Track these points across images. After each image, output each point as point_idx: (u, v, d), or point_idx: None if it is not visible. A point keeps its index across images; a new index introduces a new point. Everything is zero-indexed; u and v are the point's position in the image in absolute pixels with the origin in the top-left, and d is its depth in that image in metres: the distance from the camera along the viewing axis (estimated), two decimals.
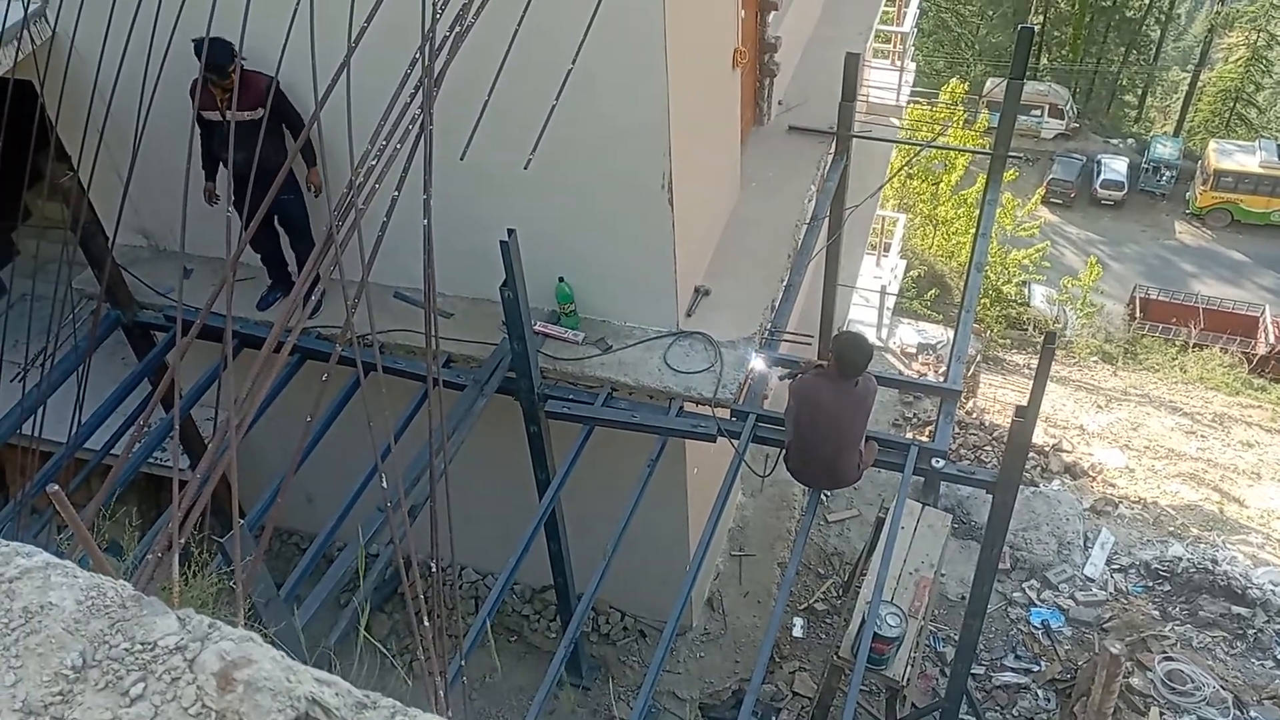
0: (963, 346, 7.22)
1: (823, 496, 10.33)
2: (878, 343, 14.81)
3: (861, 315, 15.04)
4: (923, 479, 7.38)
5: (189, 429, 7.84)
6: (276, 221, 6.78)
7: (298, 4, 4.20)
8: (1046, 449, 14.59)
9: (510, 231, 5.84)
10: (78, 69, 6.21)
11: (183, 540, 2.19)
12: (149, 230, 7.62)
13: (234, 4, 4.44)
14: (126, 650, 1.18)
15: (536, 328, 6.82)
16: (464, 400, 6.55)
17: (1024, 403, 5.90)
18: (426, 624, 2.54)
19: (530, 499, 7.09)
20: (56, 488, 1.56)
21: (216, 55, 5.57)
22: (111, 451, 6.82)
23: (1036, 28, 36.07)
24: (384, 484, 3.09)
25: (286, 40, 4.38)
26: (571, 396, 6.87)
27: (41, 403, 5.71)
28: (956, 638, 8.29)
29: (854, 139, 8.75)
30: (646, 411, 6.76)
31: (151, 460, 7.06)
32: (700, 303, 7.25)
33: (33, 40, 6.12)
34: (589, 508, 7.46)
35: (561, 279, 6.87)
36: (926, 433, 12.71)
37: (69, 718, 1.15)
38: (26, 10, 5.96)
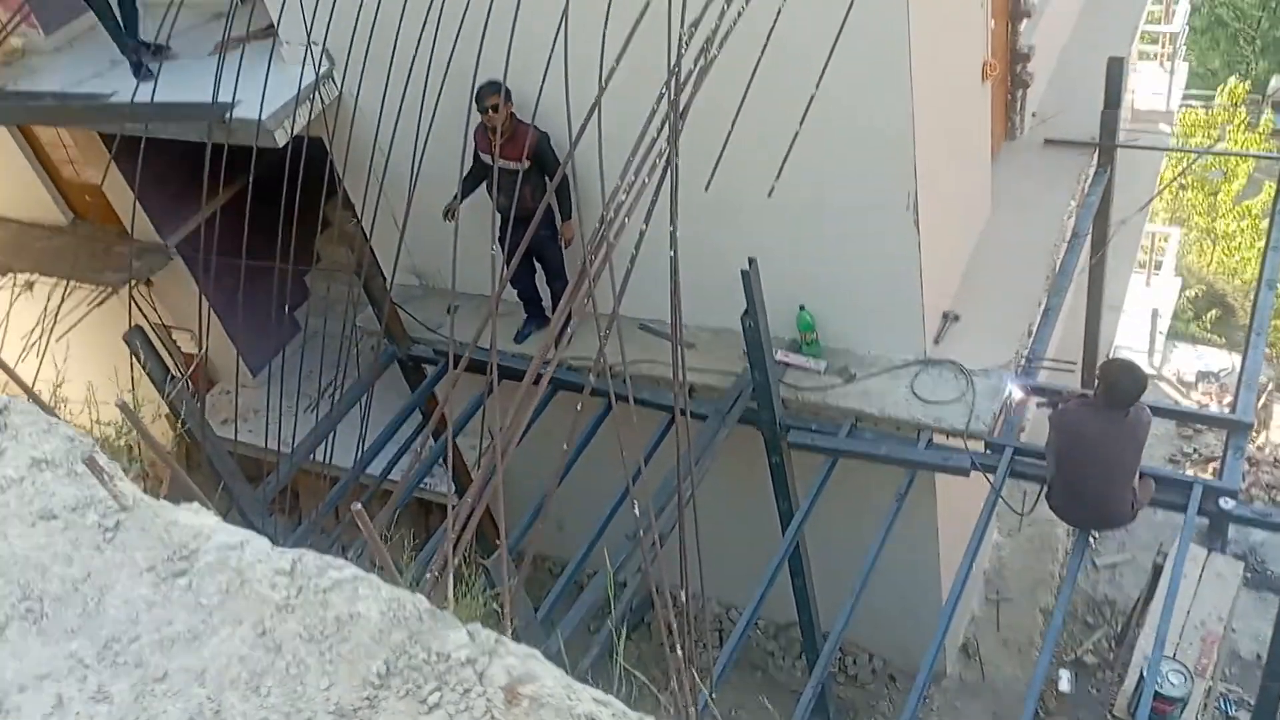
0: (1253, 373, 6.52)
1: (1091, 538, 9.58)
2: (1150, 370, 13.64)
3: (1130, 340, 13.91)
4: (1208, 521, 6.70)
5: (455, 456, 8.37)
6: (534, 259, 7.15)
7: (551, 52, 4.42)
8: None
9: (751, 260, 5.86)
10: (361, 125, 6.84)
11: (455, 561, 2.34)
12: (420, 270, 8.23)
13: (496, 58, 4.75)
14: (424, 660, 1.26)
15: (778, 357, 6.78)
16: (706, 431, 6.61)
17: None
18: (677, 652, 2.56)
19: (773, 532, 7.03)
20: (359, 506, 1.70)
21: (484, 89, 6.05)
22: (389, 477, 7.38)
23: None
24: (636, 510, 3.16)
25: (542, 86, 4.64)
26: (814, 427, 6.76)
27: (330, 431, 6.28)
28: (1252, 702, 7.44)
29: (1119, 149, 8.15)
30: (893, 443, 6.55)
31: (421, 486, 7.59)
32: (949, 329, 6.96)
33: (322, 100, 6.80)
34: (834, 542, 7.30)
35: (803, 307, 6.80)
36: (1210, 470, 11.55)
37: None
38: (318, 74, 6.63)
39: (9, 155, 9.67)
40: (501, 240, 6.58)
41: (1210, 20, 34.76)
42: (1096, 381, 5.46)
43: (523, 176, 6.29)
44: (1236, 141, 19.02)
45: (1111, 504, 5.61)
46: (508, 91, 6.02)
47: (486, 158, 6.68)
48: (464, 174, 6.70)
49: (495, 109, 6.23)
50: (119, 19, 7.13)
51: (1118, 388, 5.25)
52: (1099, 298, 8.89)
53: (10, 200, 10.02)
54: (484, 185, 6.68)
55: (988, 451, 6.32)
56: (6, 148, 9.60)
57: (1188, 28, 13.75)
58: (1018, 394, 6.46)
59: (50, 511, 1.41)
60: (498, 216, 6.24)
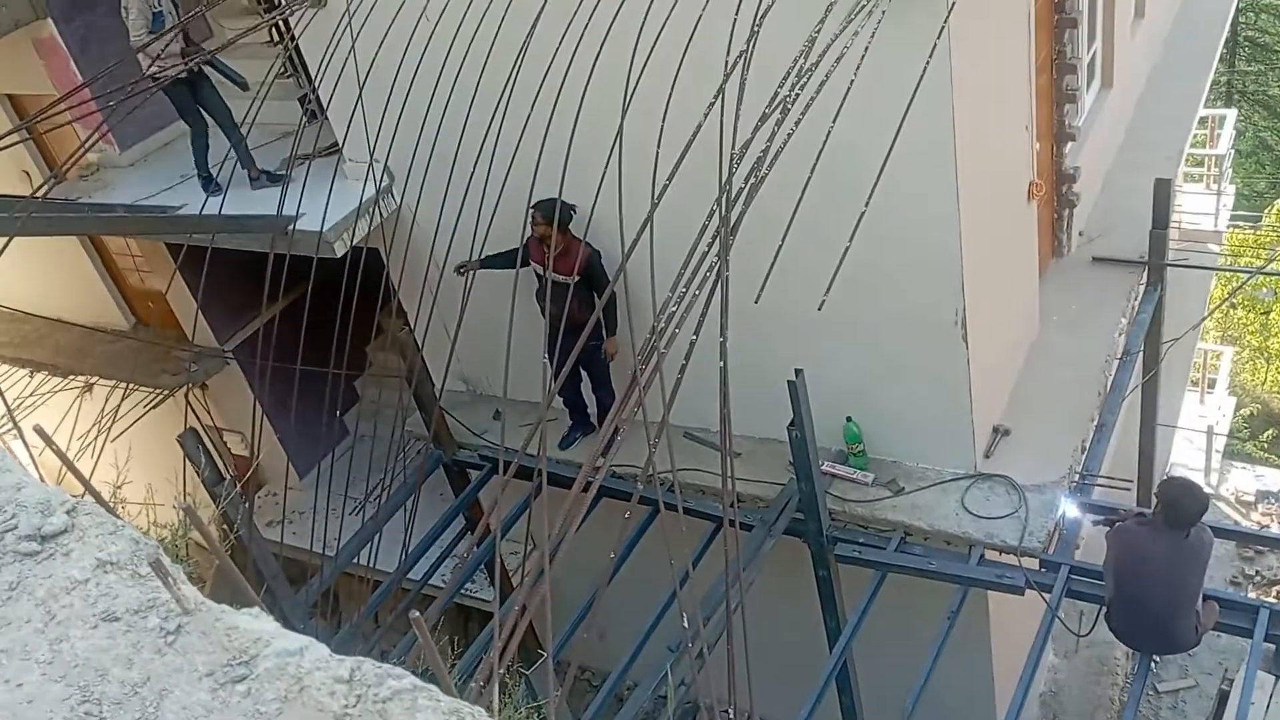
0: None
1: (1152, 663, 9.21)
2: (1208, 489, 13.29)
3: (1186, 458, 13.62)
4: (1274, 647, 6.42)
5: (496, 562, 8.31)
6: (580, 368, 7.22)
7: (605, 168, 4.56)
8: None
9: (798, 371, 5.87)
10: (417, 236, 7.06)
11: (502, 671, 2.30)
12: (469, 377, 8.34)
13: (552, 173, 4.90)
14: None
15: (824, 468, 6.72)
16: (752, 541, 6.52)
17: None
18: None
19: (820, 647, 6.84)
20: (418, 614, 1.70)
21: (537, 207, 6.28)
22: (430, 581, 7.34)
23: None
24: (685, 622, 3.11)
25: (595, 200, 4.76)
26: (862, 540, 6.64)
27: (375, 534, 6.29)
28: None
29: (1168, 268, 8.13)
30: (944, 559, 6.40)
31: (463, 591, 7.53)
32: (999, 443, 6.86)
33: (381, 213, 7.04)
34: (883, 660, 7.08)
35: (849, 418, 6.76)
36: (1275, 593, 11.11)
37: None
38: (378, 188, 6.88)
39: (78, 263, 10.07)
40: (550, 348, 6.65)
41: (1255, 144, 34.94)
42: (1155, 501, 5.33)
43: (572, 289, 6.41)
44: None
45: (1175, 627, 5.41)
46: (566, 209, 6.19)
47: (539, 268, 6.82)
48: (496, 252, 6.85)
49: (545, 227, 6.43)
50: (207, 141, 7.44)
51: (1178, 507, 5.12)
52: (1153, 415, 8.74)
53: (76, 305, 10.38)
54: (533, 295, 6.82)
55: (1042, 569, 6.15)
56: (76, 256, 10.00)
57: (1233, 151, 13.83)
58: (1073, 511, 6.31)
59: (113, 614, 1.42)
60: (545, 326, 6.35)
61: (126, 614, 1.42)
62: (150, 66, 6.79)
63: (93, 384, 9.64)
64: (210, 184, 7.37)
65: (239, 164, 7.36)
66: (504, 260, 6.68)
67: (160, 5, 6.80)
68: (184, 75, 6.87)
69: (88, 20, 8.18)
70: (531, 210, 6.32)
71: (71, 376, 9.81)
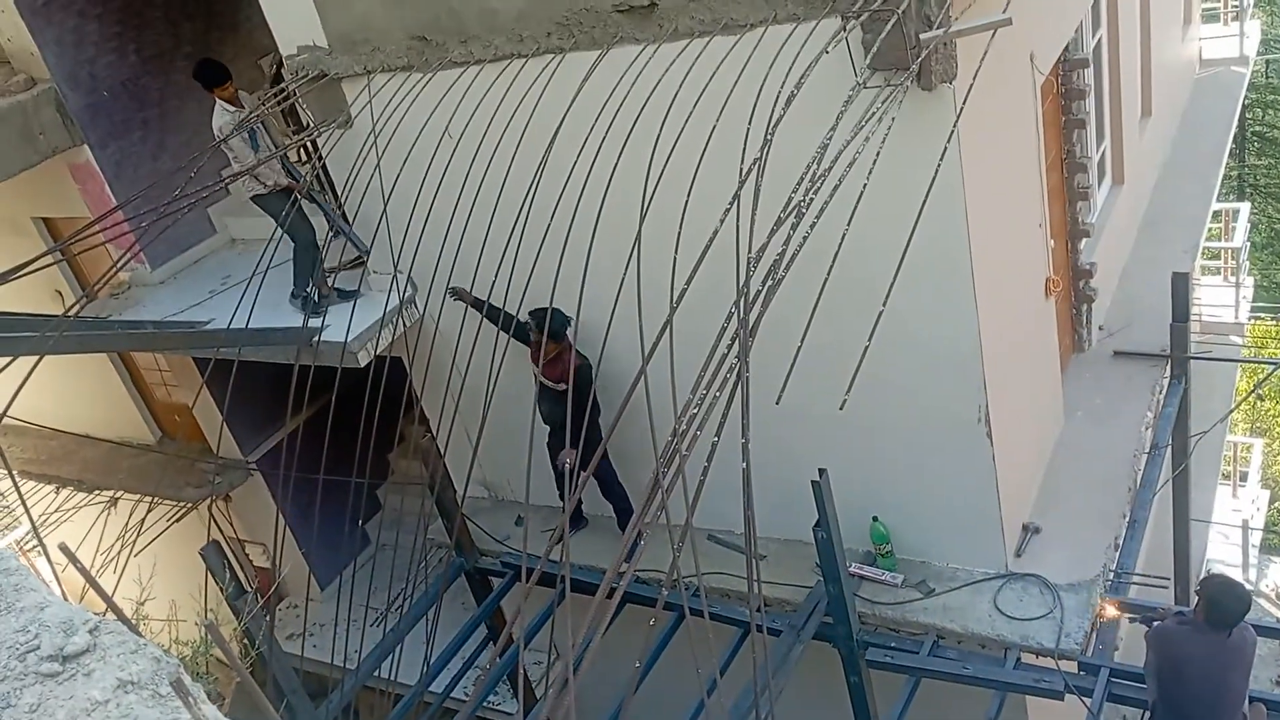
0: None
1: None
2: (1248, 585, 12.93)
3: (1222, 553, 13.31)
4: None
5: (520, 675, 8.14)
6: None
7: (624, 277, 4.64)
8: None
9: (821, 471, 5.82)
10: (439, 345, 7.14)
11: None
12: (490, 483, 8.32)
13: (571, 281, 4.98)
14: None
15: (852, 570, 6.60)
16: (780, 646, 6.36)
17: None
18: None
19: None
20: None
21: (535, 313, 6.50)
22: (452, 694, 7.19)
23: None
24: None
25: (614, 305, 4.82)
26: (894, 644, 6.47)
27: (395, 646, 6.19)
28: None
29: (1192, 361, 8.09)
30: (979, 663, 6.22)
31: (485, 703, 7.36)
32: (1030, 541, 6.74)
33: (404, 323, 7.14)
34: None
35: (876, 518, 6.67)
36: None
37: None
38: (401, 299, 7.00)
39: (107, 378, 10.23)
40: (552, 455, 6.90)
41: (1269, 235, 35.09)
42: (1196, 599, 5.19)
43: (560, 396, 6.57)
44: None
45: None
46: (559, 318, 6.32)
47: (536, 370, 6.96)
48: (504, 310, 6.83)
49: (537, 334, 6.65)
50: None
51: (1221, 606, 4.98)
52: (1185, 510, 8.58)
53: (103, 421, 10.50)
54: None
55: (1082, 672, 5.96)
56: (105, 372, 10.17)
57: (1248, 243, 13.91)
58: (1110, 611, 6.15)
59: None
60: (547, 431, 6.41)
61: None
62: (255, 185, 6.99)
63: (118, 498, 9.68)
64: (308, 302, 7.22)
65: (296, 282, 7.35)
66: (503, 321, 6.74)
67: (252, 126, 7.01)
68: (286, 189, 6.98)
69: (123, 146, 8.50)
70: (527, 318, 6.57)
71: (97, 491, 9.86)
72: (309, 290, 7.27)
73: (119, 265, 6.33)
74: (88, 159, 8.34)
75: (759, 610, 5.60)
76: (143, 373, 10.31)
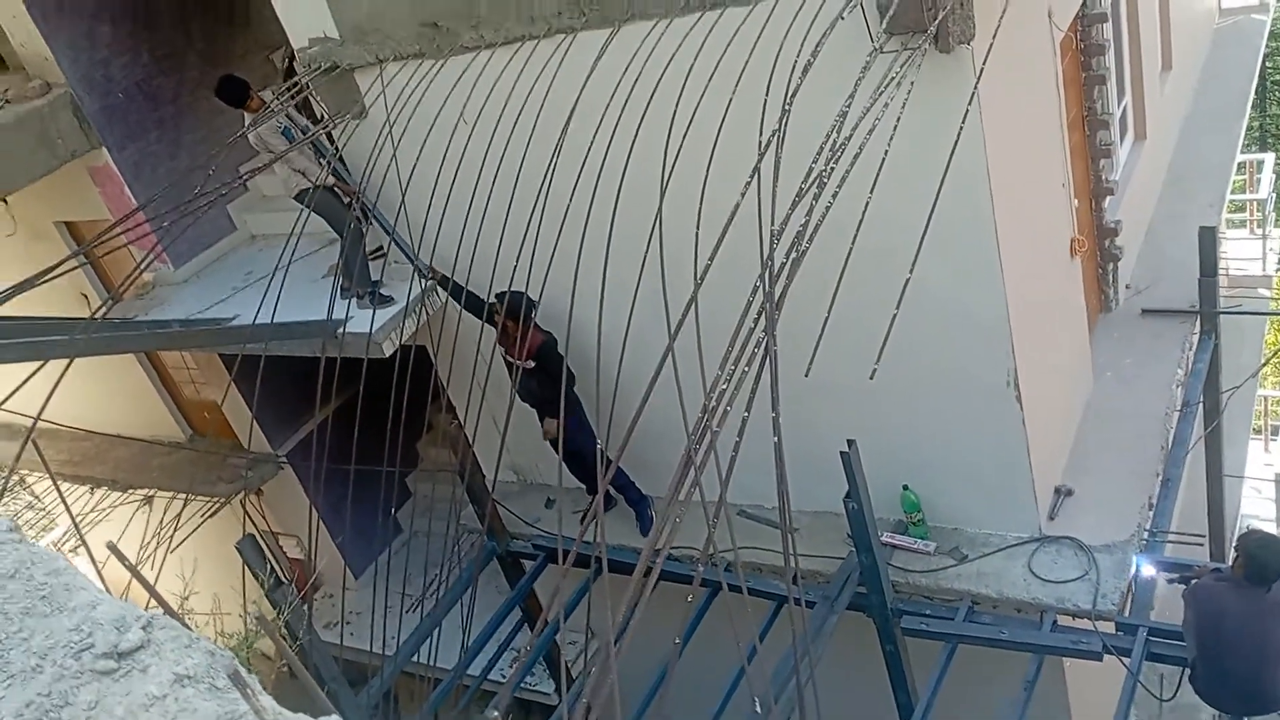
0: None
1: None
2: None
3: (1257, 509, 13.19)
4: None
5: (555, 656, 8.20)
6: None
7: (645, 255, 4.62)
8: None
9: (850, 441, 5.80)
10: (463, 332, 7.15)
11: None
12: (518, 467, 8.35)
13: (594, 261, 4.97)
14: None
15: (884, 539, 6.59)
16: (815, 618, 6.37)
17: None
18: None
19: None
20: (496, 715, 1.67)
21: (501, 296, 6.55)
22: (489, 677, 7.25)
23: None
24: (758, 708, 3.03)
25: (638, 284, 4.81)
26: (928, 612, 6.47)
27: (432, 631, 6.24)
28: None
29: (1220, 316, 8.00)
30: (1015, 627, 6.20)
31: (522, 685, 7.42)
32: (1063, 504, 6.70)
33: (427, 311, 7.15)
34: None
35: (906, 487, 6.65)
36: None
37: None
38: (424, 287, 7.01)
39: (136, 378, 10.32)
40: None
41: None
42: (1234, 556, 5.15)
43: (529, 373, 6.72)
44: None
45: (1264, 688, 5.17)
46: (530, 305, 6.38)
47: (502, 351, 7.09)
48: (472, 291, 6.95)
49: (500, 318, 6.70)
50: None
51: (1259, 562, 4.95)
52: (1218, 466, 8.51)
53: (134, 421, 10.60)
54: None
55: (1119, 633, 5.93)
56: (133, 372, 10.25)
57: (1274, 194, 13.69)
58: (1147, 570, 6.11)
59: None
60: None
61: None
62: (295, 181, 6.99)
63: (152, 496, 9.79)
64: (378, 297, 7.12)
65: (338, 274, 7.22)
66: (469, 301, 6.87)
67: (283, 122, 7.00)
68: (328, 187, 6.97)
69: (140, 147, 8.53)
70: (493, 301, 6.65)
71: (131, 490, 9.97)
72: (368, 286, 7.22)
73: (143, 266, 6.36)
74: (106, 161, 8.38)
75: (791, 582, 5.63)
76: (170, 372, 10.40)
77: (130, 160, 8.49)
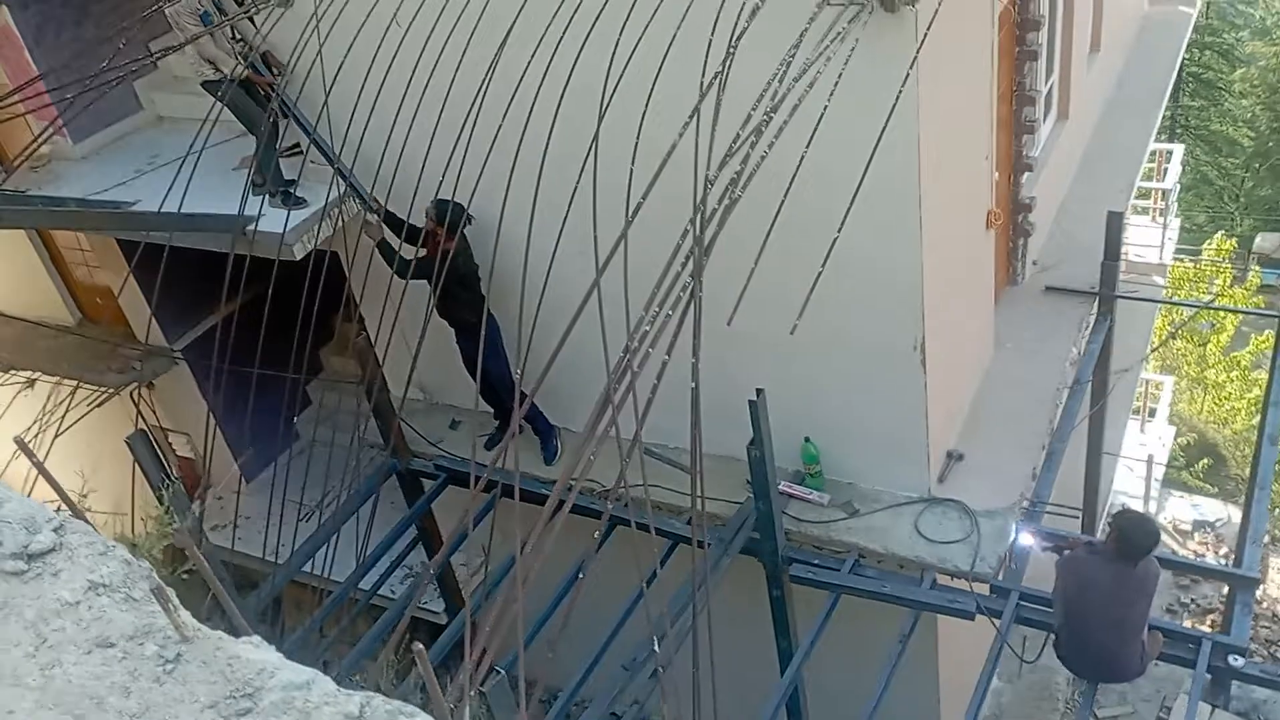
0: (1259, 528, 6.50)
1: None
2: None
3: (1126, 486, 13.92)
4: (1210, 676, 6.56)
5: (448, 576, 8.21)
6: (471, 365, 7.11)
7: (577, 183, 4.55)
8: None
9: (759, 391, 5.89)
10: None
11: (473, 692, 2.27)
12: (426, 385, 8.25)
13: (524, 184, 4.87)
14: None
15: (782, 488, 6.74)
16: (709, 559, 6.51)
17: None
18: None
19: (771, 668, 6.86)
20: (420, 647, 1.66)
21: (436, 202, 6.38)
22: (378, 593, 7.22)
23: None
24: (657, 647, 3.09)
25: (566, 215, 4.75)
26: (817, 561, 6.68)
27: (325, 542, 6.18)
28: None
29: (1118, 299, 8.32)
30: (897, 582, 6.46)
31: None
32: (953, 468, 6.96)
33: (344, 217, 6.94)
34: (832, 681, 7.11)
35: (808, 439, 6.81)
36: (1209, 622, 11.39)
37: None
38: (341, 191, 6.79)
39: (23, 256, 9.79)
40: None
41: (1195, 178, 35.99)
42: (1107, 531, 5.43)
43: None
44: (1226, 296, 19.44)
45: (1121, 657, 5.51)
46: (458, 211, 6.37)
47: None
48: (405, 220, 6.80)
49: (432, 224, 6.58)
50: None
51: (1130, 540, 5.23)
52: (1099, 444, 8.93)
53: (20, 299, 10.09)
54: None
55: (993, 595, 6.23)
56: (21, 249, 9.72)
57: (1179, 185, 14.22)
58: (1025, 539, 6.41)
59: (107, 639, 1.35)
60: None
61: (122, 640, 1.36)
62: (206, 69, 6.60)
63: (35, 380, 9.37)
64: (291, 198, 6.90)
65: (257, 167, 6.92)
66: (409, 233, 6.68)
67: (203, 5, 6.58)
68: (243, 80, 6.60)
69: (43, 9, 7.99)
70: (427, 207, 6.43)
71: (12, 371, 9.53)
72: (281, 185, 6.93)
73: (43, 139, 6.00)
74: (6, 21, 7.83)
75: (697, 524, 5.75)
76: (62, 251, 9.89)
77: (33, 21, 7.94)
